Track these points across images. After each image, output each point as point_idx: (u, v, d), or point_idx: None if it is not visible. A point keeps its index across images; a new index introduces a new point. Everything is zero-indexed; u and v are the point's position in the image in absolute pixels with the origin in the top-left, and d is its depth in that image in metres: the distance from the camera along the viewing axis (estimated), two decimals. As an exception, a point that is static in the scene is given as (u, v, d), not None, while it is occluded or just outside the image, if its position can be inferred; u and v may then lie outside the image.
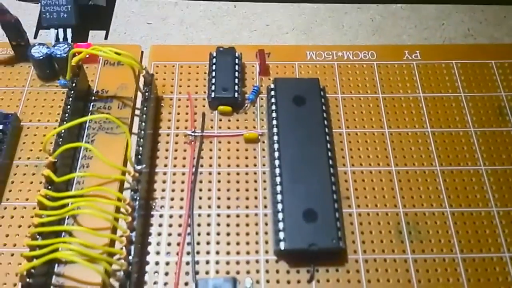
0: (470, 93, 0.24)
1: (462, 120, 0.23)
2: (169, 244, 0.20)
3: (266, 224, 0.20)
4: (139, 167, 0.20)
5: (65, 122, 0.20)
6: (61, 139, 0.20)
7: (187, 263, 0.19)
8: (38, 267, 0.17)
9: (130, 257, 0.18)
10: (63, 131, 0.20)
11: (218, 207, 0.21)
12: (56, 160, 0.19)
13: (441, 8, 0.28)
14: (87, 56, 0.22)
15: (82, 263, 0.16)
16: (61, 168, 0.20)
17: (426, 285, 0.19)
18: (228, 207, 0.21)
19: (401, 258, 0.20)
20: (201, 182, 0.21)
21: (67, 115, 0.21)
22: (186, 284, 0.19)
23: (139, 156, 0.20)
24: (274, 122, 0.22)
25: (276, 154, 0.21)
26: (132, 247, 0.18)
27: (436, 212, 0.21)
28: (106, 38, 0.27)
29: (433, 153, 0.22)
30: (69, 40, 0.25)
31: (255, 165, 0.22)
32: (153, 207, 0.21)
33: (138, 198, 0.19)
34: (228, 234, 0.20)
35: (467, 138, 0.23)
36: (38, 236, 0.17)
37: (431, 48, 0.26)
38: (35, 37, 0.26)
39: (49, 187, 0.19)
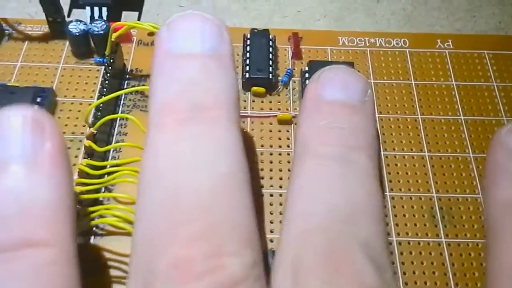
0: (502, 83, 0.24)
1: (495, 109, 0.23)
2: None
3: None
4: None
5: (103, 97, 0.21)
6: (99, 113, 0.20)
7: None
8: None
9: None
10: (101, 105, 0.20)
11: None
12: (96, 132, 0.19)
13: (471, 0, 0.28)
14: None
15: (128, 230, 0.16)
16: (99, 142, 0.20)
17: (459, 269, 0.19)
18: (262, 186, 0.21)
19: (435, 242, 0.20)
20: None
21: (105, 89, 0.21)
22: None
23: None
24: (309, 104, 0.22)
25: (311, 135, 0.21)
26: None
27: (470, 198, 0.21)
28: (139, 19, 0.27)
29: (466, 140, 0.22)
30: (105, 19, 0.25)
31: (288, 146, 0.22)
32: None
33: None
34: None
35: (500, 126, 0.23)
36: (78, 206, 0.17)
37: (463, 38, 0.26)
38: (68, 16, 0.26)
39: (89, 158, 0.19)
